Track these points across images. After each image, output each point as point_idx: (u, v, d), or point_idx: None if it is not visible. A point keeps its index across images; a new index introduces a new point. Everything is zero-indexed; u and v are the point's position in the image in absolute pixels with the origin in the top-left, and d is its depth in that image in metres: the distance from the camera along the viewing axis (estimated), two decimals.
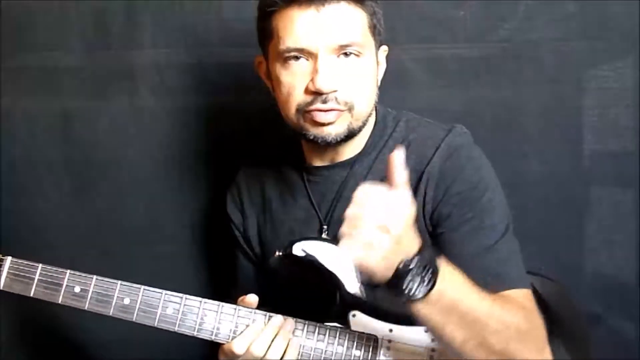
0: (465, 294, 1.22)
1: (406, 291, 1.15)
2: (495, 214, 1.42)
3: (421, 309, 1.18)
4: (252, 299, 1.39)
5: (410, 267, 1.14)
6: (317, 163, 1.56)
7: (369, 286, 1.41)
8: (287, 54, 1.40)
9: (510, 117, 1.92)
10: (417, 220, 1.41)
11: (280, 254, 1.43)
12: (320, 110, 1.40)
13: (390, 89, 1.86)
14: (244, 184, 1.70)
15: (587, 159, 1.93)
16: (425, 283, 1.15)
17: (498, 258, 1.37)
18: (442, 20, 1.89)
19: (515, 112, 1.92)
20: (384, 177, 1.47)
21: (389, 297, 1.18)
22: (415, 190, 1.44)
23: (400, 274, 1.14)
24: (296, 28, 1.38)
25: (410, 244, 1.16)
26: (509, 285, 1.34)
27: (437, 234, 1.43)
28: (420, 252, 1.16)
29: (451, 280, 1.20)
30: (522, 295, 1.35)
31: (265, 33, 1.46)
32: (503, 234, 1.40)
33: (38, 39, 1.95)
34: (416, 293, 1.15)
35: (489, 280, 1.32)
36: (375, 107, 1.54)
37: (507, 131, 1.92)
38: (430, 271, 1.16)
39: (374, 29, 1.45)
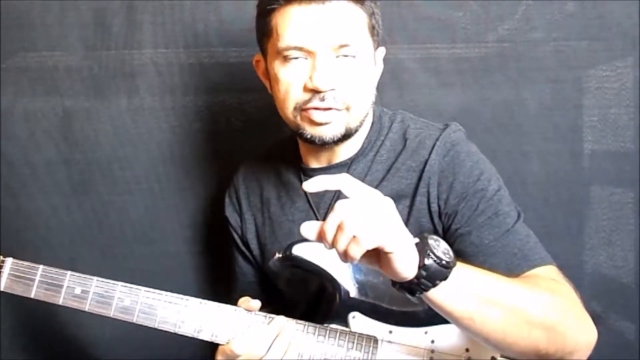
0: (489, 275, 1.20)
1: (439, 259, 1.11)
2: (504, 202, 1.43)
3: (449, 291, 1.13)
4: (254, 304, 1.39)
5: (426, 239, 1.12)
6: (314, 165, 1.56)
7: (368, 285, 1.42)
8: (286, 52, 1.40)
9: (510, 117, 1.92)
10: (421, 219, 1.44)
11: (280, 255, 1.43)
12: (318, 109, 1.40)
13: (390, 89, 1.88)
14: (242, 185, 1.70)
15: (587, 159, 1.93)
16: (446, 252, 1.12)
17: (519, 239, 1.39)
18: (441, 20, 1.89)
19: (515, 112, 1.91)
20: (379, 178, 1.48)
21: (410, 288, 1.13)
22: (416, 190, 1.45)
23: (421, 249, 1.11)
24: (296, 26, 1.37)
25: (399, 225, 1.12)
26: (536, 262, 1.36)
27: (451, 231, 1.43)
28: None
29: (467, 266, 1.18)
30: (550, 271, 1.36)
31: (264, 31, 1.46)
32: (517, 218, 1.42)
33: (38, 39, 1.94)
34: (445, 259, 1.11)
35: (516, 261, 1.35)
36: (372, 108, 1.54)
37: (507, 131, 1.91)
38: (444, 245, 1.14)
39: (372, 30, 1.45)
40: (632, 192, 1.93)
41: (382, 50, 1.52)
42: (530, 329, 1.19)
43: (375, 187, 1.46)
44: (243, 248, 1.70)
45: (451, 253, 1.14)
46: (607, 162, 1.93)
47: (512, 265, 1.34)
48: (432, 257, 1.11)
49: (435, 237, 1.15)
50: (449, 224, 1.43)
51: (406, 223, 1.45)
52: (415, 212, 1.46)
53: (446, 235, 1.44)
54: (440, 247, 1.13)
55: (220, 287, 1.90)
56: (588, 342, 1.28)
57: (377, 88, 1.53)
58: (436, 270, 1.11)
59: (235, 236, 1.71)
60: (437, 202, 1.44)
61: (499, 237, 1.38)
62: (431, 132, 1.49)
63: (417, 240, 1.13)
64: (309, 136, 1.44)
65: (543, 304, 1.22)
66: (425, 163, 1.45)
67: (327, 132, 1.43)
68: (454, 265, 1.13)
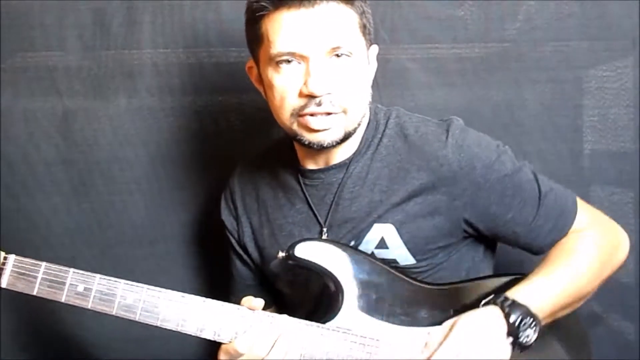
0: (548, 288, 1.38)
1: (530, 342, 1.32)
2: (522, 173, 1.49)
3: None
4: (257, 302, 1.38)
5: (516, 328, 1.30)
6: (312, 166, 1.55)
7: (371, 284, 1.43)
8: (279, 58, 1.39)
9: (510, 117, 1.92)
10: (436, 217, 1.47)
11: (283, 255, 1.42)
12: (315, 114, 1.39)
13: (391, 88, 1.88)
14: (237, 188, 1.69)
15: (587, 159, 1.94)
16: (533, 325, 1.31)
17: (550, 197, 1.49)
18: (442, 20, 1.89)
19: (515, 112, 1.92)
20: (382, 176, 1.47)
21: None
22: (433, 189, 1.45)
23: (516, 343, 1.31)
24: (287, 31, 1.37)
25: (495, 323, 1.31)
26: (572, 214, 1.49)
27: (488, 221, 1.48)
28: (504, 313, 1.31)
29: (531, 294, 1.35)
30: (579, 213, 1.50)
31: (255, 38, 1.45)
32: (534, 174, 1.50)
33: (37, 39, 1.94)
34: (534, 336, 1.31)
35: (562, 221, 1.48)
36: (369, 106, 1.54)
37: (508, 131, 1.91)
38: (526, 313, 1.31)
39: (364, 29, 1.44)
40: (632, 192, 1.94)
41: (374, 49, 1.52)
42: (591, 293, 1.46)
43: (384, 192, 1.47)
44: (240, 251, 1.69)
45: (531, 319, 1.31)
46: (607, 162, 1.94)
47: (560, 226, 1.48)
48: (523, 343, 1.31)
49: (517, 312, 1.32)
50: (484, 219, 1.48)
51: (416, 220, 1.46)
52: (431, 209, 1.46)
53: (485, 227, 1.50)
54: (528, 323, 1.31)
55: (220, 287, 1.88)
56: (625, 250, 1.51)
57: (378, 87, 1.53)
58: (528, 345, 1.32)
59: (232, 239, 1.70)
60: (461, 199, 1.45)
61: (538, 209, 1.48)
62: (433, 129, 1.49)
63: (511, 339, 1.31)
64: (307, 142, 1.43)
65: (592, 271, 1.43)
66: (441, 162, 1.44)
67: (325, 138, 1.42)
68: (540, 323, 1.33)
